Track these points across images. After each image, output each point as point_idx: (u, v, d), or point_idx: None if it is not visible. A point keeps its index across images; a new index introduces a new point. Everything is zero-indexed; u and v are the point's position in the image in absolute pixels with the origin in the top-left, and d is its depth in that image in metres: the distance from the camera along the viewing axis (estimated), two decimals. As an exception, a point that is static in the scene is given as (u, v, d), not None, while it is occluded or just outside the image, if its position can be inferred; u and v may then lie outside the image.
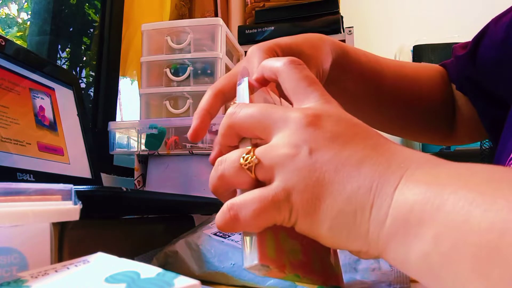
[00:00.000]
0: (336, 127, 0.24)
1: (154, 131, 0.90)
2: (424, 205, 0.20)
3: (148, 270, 0.22)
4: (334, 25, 1.39)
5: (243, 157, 0.24)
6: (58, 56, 1.24)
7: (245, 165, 0.24)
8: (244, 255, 0.24)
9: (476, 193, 0.19)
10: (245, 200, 0.24)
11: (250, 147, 0.25)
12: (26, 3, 1.30)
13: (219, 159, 0.26)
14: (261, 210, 0.23)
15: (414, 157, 0.23)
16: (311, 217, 0.23)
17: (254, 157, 0.24)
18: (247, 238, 0.25)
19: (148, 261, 0.49)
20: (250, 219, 0.23)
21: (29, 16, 1.27)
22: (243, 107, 0.26)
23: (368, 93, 0.48)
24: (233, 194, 0.26)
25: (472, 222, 0.18)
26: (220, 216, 0.24)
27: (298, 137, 0.24)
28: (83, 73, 1.37)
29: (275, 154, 0.24)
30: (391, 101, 0.50)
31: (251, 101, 0.28)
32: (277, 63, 0.28)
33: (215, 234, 0.51)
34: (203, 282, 0.46)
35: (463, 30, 2.24)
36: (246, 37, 1.45)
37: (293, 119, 0.24)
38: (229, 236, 0.53)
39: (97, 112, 1.22)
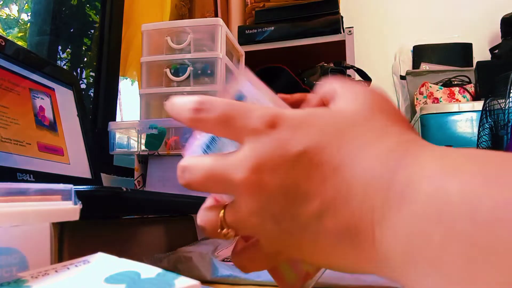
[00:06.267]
0: (279, 179, 0.21)
1: (154, 131, 0.90)
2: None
3: (148, 270, 0.22)
4: (334, 25, 1.39)
5: (220, 231, 0.24)
6: (59, 57, 1.24)
7: (226, 236, 0.24)
8: None
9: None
10: (247, 260, 0.26)
11: (221, 215, 0.24)
12: (26, 4, 1.30)
13: (201, 220, 0.26)
14: (261, 266, 0.26)
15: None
16: (309, 260, 0.24)
17: (230, 230, 0.24)
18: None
19: (158, 262, 0.49)
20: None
21: (29, 17, 1.27)
22: (190, 167, 0.24)
23: None
24: None
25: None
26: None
27: (252, 205, 0.22)
28: (84, 74, 1.37)
29: (246, 225, 0.23)
30: None
31: None
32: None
33: (223, 260, 0.52)
34: (213, 284, 0.46)
35: (463, 30, 2.24)
36: (246, 37, 1.45)
37: (237, 188, 0.22)
38: None
39: (97, 112, 1.22)
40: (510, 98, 1.32)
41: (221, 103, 0.23)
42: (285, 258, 0.25)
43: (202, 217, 0.25)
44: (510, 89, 1.32)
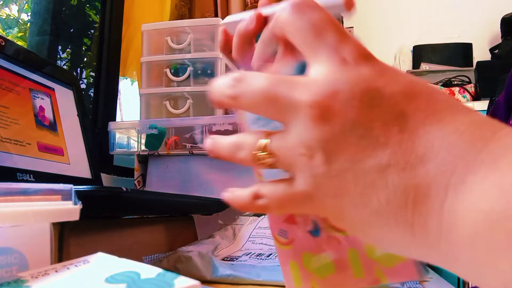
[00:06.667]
0: (352, 113, 0.19)
1: (154, 131, 0.90)
2: None
3: (148, 271, 0.21)
4: (334, 25, 1.39)
5: (257, 153, 0.21)
6: (59, 56, 1.24)
7: (261, 160, 0.21)
8: None
9: None
10: (271, 195, 0.21)
11: (264, 141, 0.21)
12: (26, 4, 1.30)
13: (235, 140, 0.22)
14: (286, 207, 0.21)
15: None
16: (341, 222, 0.21)
17: (269, 156, 0.21)
18: None
19: (158, 262, 0.49)
20: (277, 211, 0.24)
21: (29, 17, 1.27)
22: (248, 81, 0.21)
23: None
24: None
25: None
26: (245, 201, 0.22)
27: (309, 136, 0.19)
28: (84, 74, 1.37)
29: (291, 153, 0.20)
30: None
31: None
32: (278, 11, 0.22)
33: (223, 259, 0.52)
34: (213, 284, 0.46)
35: (463, 30, 2.24)
36: (246, 37, 1.45)
37: (300, 110, 0.19)
38: (237, 259, 0.54)
39: (97, 112, 1.22)
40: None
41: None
42: (315, 210, 0.21)
43: (237, 137, 0.22)
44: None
